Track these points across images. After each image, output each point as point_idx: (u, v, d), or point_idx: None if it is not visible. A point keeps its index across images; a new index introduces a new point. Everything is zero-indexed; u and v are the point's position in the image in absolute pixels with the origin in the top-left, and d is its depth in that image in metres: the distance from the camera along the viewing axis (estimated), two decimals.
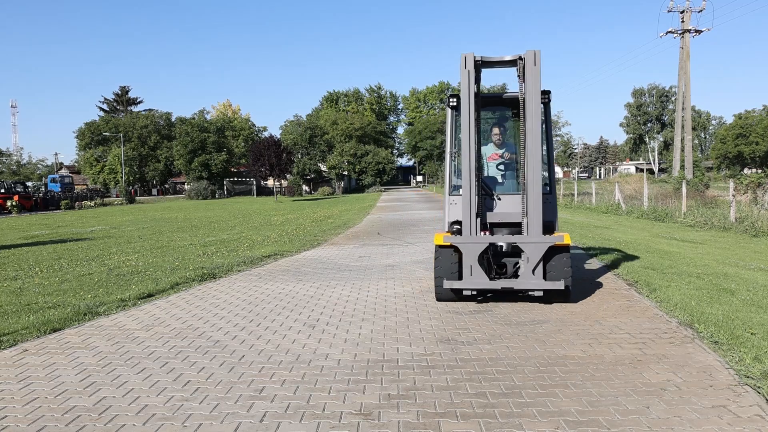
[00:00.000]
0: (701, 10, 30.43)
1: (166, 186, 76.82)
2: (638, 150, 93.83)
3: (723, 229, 15.27)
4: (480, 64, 6.00)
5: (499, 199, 6.36)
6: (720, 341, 4.73)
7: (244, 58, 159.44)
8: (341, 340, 5.03)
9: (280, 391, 3.83)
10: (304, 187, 67.32)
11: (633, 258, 9.28)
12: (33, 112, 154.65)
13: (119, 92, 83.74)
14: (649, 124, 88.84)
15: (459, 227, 6.21)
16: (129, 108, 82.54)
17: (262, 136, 63.39)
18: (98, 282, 7.99)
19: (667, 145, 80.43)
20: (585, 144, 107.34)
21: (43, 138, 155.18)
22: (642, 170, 67.92)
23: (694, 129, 65.58)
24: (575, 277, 7.08)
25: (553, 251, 5.90)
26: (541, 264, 5.77)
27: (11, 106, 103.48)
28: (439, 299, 6.39)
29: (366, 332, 5.26)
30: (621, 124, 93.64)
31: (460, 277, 5.97)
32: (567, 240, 5.89)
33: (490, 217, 6.34)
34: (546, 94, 6.37)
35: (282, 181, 53.19)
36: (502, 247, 6.22)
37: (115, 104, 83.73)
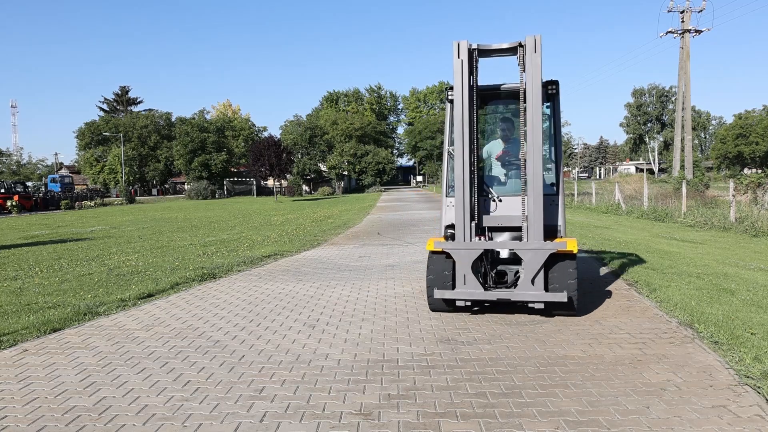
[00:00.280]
0: (701, 10, 30.45)
1: (166, 186, 76.82)
2: (638, 150, 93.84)
3: (723, 229, 15.26)
4: (476, 53, 5.53)
5: (500, 200, 5.87)
6: (720, 341, 4.73)
7: (244, 58, 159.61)
8: (341, 340, 5.03)
9: (280, 391, 3.83)
10: (304, 187, 67.33)
11: (633, 258, 9.28)
12: (33, 112, 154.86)
13: (119, 92, 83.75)
14: (649, 124, 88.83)
15: (453, 231, 5.71)
16: (129, 108, 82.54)
17: (262, 136, 63.39)
18: (98, 282, 7.99)
19: (667, 145, 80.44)
20: (585, 144, 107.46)
21: (43, 138, 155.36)
22: (642, 170, 67.95)
23: (694, 129, 65.64)
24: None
25: (556, 259, 5.39)
26: (541, 273, 5.28)
27: (11, 106, 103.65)
28: (432, 309, 5.97)
29: (366, 332, 5.26)
30: (621, 124, 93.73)
31: (455, 286, 5.56)
32: (571, 246, 5.35)
33: (489, 221, 5.85)
34: (552, 85, 5.94)
35: (282, 181, 53.19)
36: (499, 253, 5.83)
37: (115, 104, 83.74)
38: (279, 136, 58.33)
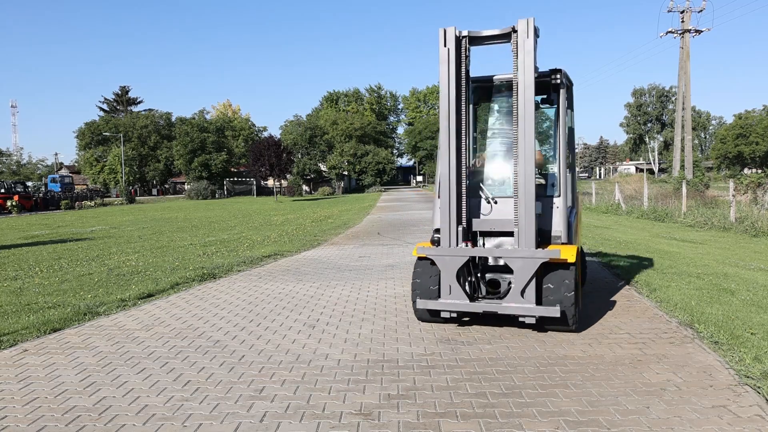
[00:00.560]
0: (701, 10, 30.46)
1: (166, 186, 76.81)
2: (638, 150, 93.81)
3: (723, 229, 15.27)
4: (466, 41, 5.04)
5: (495, 202, 5.30)
6: (720, 341, 4.73)
7: (244, 58, 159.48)
8: (341, 340, 5.03)
9: (280, 391, 3.83)
10: (304, 187, 67.32)
11: (633, 258, 9.28)
12: (33, 112, 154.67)
13: (119, 92, 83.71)
14: (649, 124, 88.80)
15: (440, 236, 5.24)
16: (129, 108, 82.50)
17: (262, 136, 63.38)
18: (98, 282, 7.99)
19: (667, 145, 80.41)
20: (585, 144, 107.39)
21: (43, 138, 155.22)
22: (642, 170, 67.96)
23: (694, 129, 65.66)
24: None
25: (551, 268, 4.89)
26: (533, 284, 4.79)
27: (11, 106, 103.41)
28: (419, 319, 5.54)
29: (366, 332, 5.26)
30: (621, 124, 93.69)
31: (441, 295, 5.12)
32: (567, 254, 4.82)
33: (480, 225, 5.28)
34: (556, 74, 5.30)
35: (282, 181, 53.18)
36: (488, 260, 5.28)
37: (115, 104, 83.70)
38: (279, 136, 58.32)
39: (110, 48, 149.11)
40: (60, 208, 40.72)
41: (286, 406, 3.57)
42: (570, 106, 5.90)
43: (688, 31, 30.50)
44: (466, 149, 5.17)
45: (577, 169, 6.38)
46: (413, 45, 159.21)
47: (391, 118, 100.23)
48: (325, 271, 8.79)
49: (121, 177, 61.83)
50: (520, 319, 4.88)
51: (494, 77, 5.57)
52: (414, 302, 5.35)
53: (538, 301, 4.88)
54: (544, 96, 5.83)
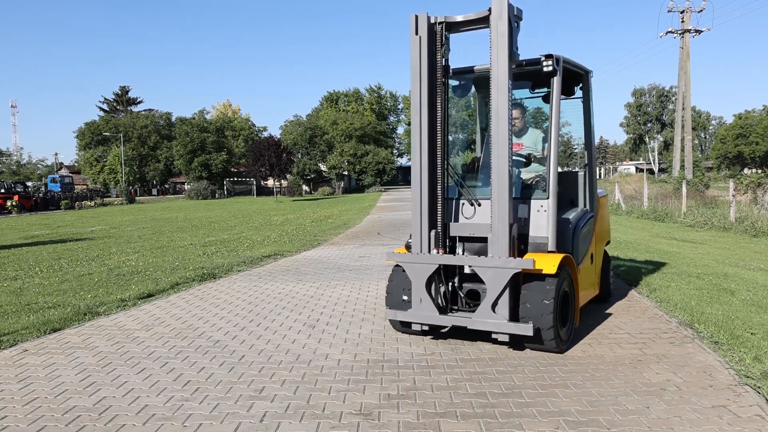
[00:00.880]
0: (701, 10, 30.47)
1: (166, 186, 76.82)
2: (638, 150, 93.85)
3: (723, 229, 15.27)
4: (443, 28, 4.61)
5: (479, 204, 4.83)
6: (720, 341, 4.73)
7: (244, 58, 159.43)
8: (341, 340, 5.03)
9: (280, 391, 3.83)
10: (304, 187, 67.33)
11: (633, 258, 9.29)
12: (33, 112, 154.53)
13: (119, 92, 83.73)
14: (649, 124, 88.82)
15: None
16: (129, 108, 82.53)
17: (262, 136, 63.39)
18: (98, 282, 7.99)
19: (667, 145, 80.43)
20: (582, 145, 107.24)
21: (43, 138, 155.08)
22: (642, 170, 67.96)
23: (694, 129, 65.61)
24: None
25: (529, 280, 4.41)
26: (506, 298, 4.32)
27: (11, 106, 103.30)
28: (396, 329, 5.19)
29: (366, 332, 5.26)
30: (621, 124, 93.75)
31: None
32: (543, 265, 4.32)
33: (457, 229, 4.80)
34: (549, 61, 4.69)
35: (282, 181, 53.18)
36: (464, 268, 4.76)
37: (115, 104, 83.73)
38: (279, 136, 58.32)
39: (110, 48, 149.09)
40: (60, 208, 40.72)
41: (286, 406, 3.57)
42: (587, 96, 5.60)
43: (688, 31, 30.50)
44: (443, 146, 4.68)
45: (595, 168, 5.79)
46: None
47: (391, 118, 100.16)
48: (325, 271, 8.79)
49: (121, 177, 61.84)
50: (493, 336, 4.42)
51: (474, 67, 5.17)
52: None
53: (514, 317, 4.40)
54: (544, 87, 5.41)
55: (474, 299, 4.71)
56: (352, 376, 4.09)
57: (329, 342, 4.97)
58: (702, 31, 30.65)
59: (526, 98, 5.73)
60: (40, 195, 43.53)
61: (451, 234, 4.83)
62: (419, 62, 4.61)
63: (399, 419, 3.36)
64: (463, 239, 4.84)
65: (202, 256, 10.61)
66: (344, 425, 3.29)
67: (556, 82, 4.77)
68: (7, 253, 12.37)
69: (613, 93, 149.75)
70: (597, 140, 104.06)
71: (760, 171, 59.80)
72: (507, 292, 4.32)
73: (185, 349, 4.82)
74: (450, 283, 4.78)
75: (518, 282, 4.44)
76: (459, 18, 4.61)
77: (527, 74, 5.18)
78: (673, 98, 76.93)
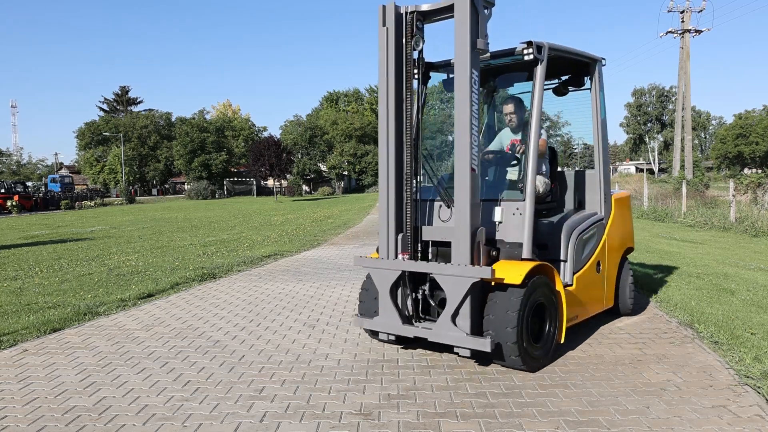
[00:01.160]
0: (701, 10, 30.46)
1: (166, 186, 76.84)
2: (638, 150, 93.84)
3: (723, 229, 15.27)
4: (414, 18, 4.26)
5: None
6: (720, 341, 4.73)
7: (244, 58, 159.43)
8: (341, 340, 5.03)
9: (280, 391, 3.83)
10: (304, 187, 67.39)
11: (632, 258, 9.28)
12: (33, 112, 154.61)
13: (119, 92, 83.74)
14: (649, 124, 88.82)
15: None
16: (129, 108, 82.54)
17: (262, 136, 63.40)
18: (98, 282, 7.99)
19: (667, 145, 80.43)
20: (585, 144, 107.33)
21: (43, 138, 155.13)
22: (642, 170, 67.95)
23: (694, 129, 65.60)
24: None
25: (496, 290, 4.05)
26: (467, 309, 4.01)
27: (11, 106, 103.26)
28: (372, 337, 4.97)
29: (366, 332, 5.25)
30: (621, 124, 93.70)
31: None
32: (505, 274, 3.96)
33: (429, 233, 4.47)
34: (529, 48, 4.35)
35: (282, 181, 53.20)
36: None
37: (115, 104, 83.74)
38: (279, 136, 58.35)
39: (110, 48, 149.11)
40: (60, 208, 40.73)
41: (286, 406, 3.57)
42: (596, 87, 5.23)
43: (688, 31, 30.50)
44: (412, 144, 4.36)
45: (609, 167, 5.31)
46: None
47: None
48: (325, 271, 8.79)
49: (121, 177, 61.86)
50: (455, 349, 4.09)
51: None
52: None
53: (476, 330, 4.05)
54: (565, 77, 5.28)
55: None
56: (352, 376, 4.09)
57: (329, 342, 4.97)
58: (702, 31, 30.65)
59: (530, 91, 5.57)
60: (40, 195, 43.54)
61: (424, 238, 4.50)
62: (386, 55, 4.33)
63: (399, 419, 3.36)
64: (436, 244, 4.53)
65: (202, 256, 10.61)
66: (344, 425, 3.29)
67: (539, 71, 4.43)
68: (7, 253, 12.37)
69: (613, 93, 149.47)
70: None
71: (760, 171, 59.83)
72: (468, 302, 3.99)
73: (185, 349, 4.82)
74: (421, 291, 4.45)
75: (485, 292, 4.11)
76: (425, 7, 4.28)
77: (527, 65, 4.85)
78: (673, 98, 76.91)
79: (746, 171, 67.07)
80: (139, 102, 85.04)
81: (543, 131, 5.14)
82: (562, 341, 4.40)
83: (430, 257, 4.53)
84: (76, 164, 78.85)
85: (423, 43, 4.39)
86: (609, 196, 5.31)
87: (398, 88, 4.38)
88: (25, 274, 9.06)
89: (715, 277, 7.67)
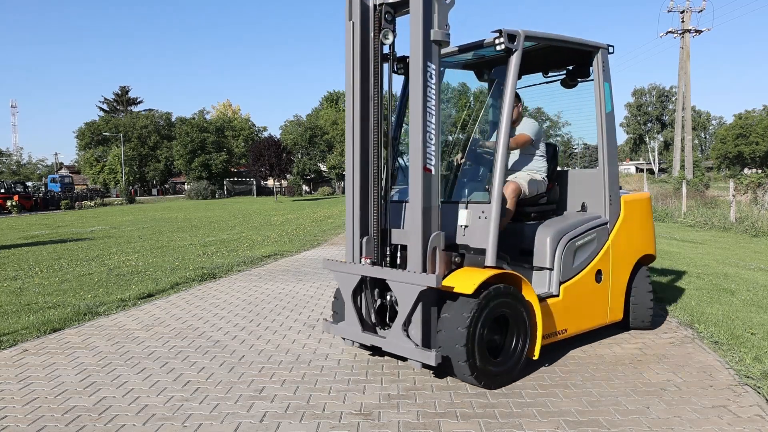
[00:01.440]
0: (701, 10, 30.47)
1: (166, 186, 76.83)
2: (638, 150, 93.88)
3: (723, 229, 15.27)
4: (380, 11, 4.00)
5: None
6: (720, 341, 4.73)
7: (244, 58, 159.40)
8: (341, 340, 5.03)
9: (280, 391, 3.83)
10: (304, 187, 67.38)
11: None
12: (33, 112, 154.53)
13: (119, 92, 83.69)
14: (649, 124, 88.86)
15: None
16: (129, 108, 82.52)
17: (262, 136, 63.41)
18: (98, 282, 7.99)
19: (667, 145, 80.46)
20: (585, 144, 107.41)
21: (43, 138, 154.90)
22: (642, 170, 67.94)
23: (694, 129, 65.57)
24: None
25: (448, 299, 3.78)
26: (419, 317, 3.78)
27: (11, 106, 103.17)
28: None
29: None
30: (621, 124, 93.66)
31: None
32: (455, 282, 3.73)
33: (399, 237, 4.25)
34: (500, 38, 4.02)
35: (282, 181, 53.19)
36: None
37: (115, 104, 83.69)
38: (279, 136, 58.36)
39: (110, 48, 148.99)
40: (60, 208, 40.71)
41: (286, 406, 3.57)
42: (601, 77, 4.80)
43: (688, 31, 30.50)
44: (377, 143, 4.12)
45: (616, 166, 4.89)
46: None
47: (392, 118, 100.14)
48: (325, 271, 8.78)
49: (121, 177, 61.84)
50: (408, 360, 3.92)
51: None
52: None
53: (427, 341, 3.82)
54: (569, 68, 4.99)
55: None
56: (352, 376, 4.09)
57: (329, 342, 4.97)
58: (702, 31, 30.65)
59: (538, 84, 5.29)
60: (40, 195, 43.52)
61: (393, 241, 4.29)
62: (352, 50, 4.10)
63: (399, 419, 3.36)
64: (404, 248, 4.22)
65: (202, 256, 10.61)
66: (344, 425, 3.29)
67: (513, 61, 4.09)
68: (7, 253, 12.37)
69: (613, 93, 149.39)
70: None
71: (760, 171, 59.83)
72: (419, 312, 3.76)
73: (185, 349, 4.82)
74: (389, 297, 4.23)
75: (443, 301, 3.85)
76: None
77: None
78: (673, 98, 76.90)
79: (746, 171, 67.08)
80: (139, 102, 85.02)
81: (535, 124, 4.83)
82: (536, 357, 4.02)
83: (399, 262, 4.28)
84: (76, 164, 78.83)
85: (395, 37, 4.12)
86: (616, 197, 4.85)
87: (364, 85, 4.10)
88: (25, 274, 9.06)
89: (715, 277, 7.67)
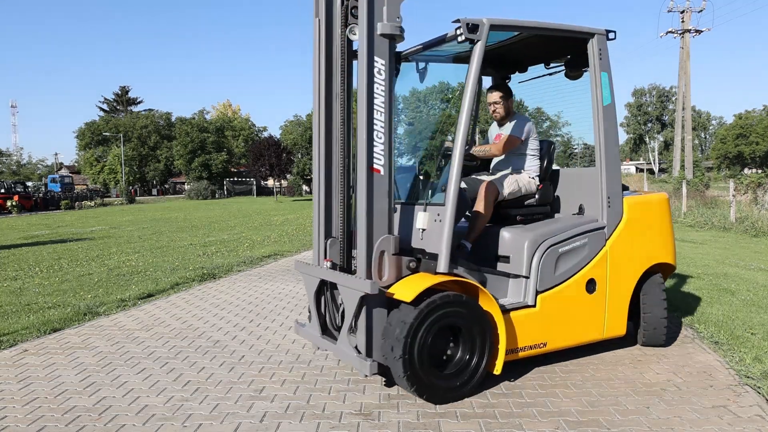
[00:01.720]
0: (701, 10, 30.44)
1: (166, 186, 76.86)
2: (638, 150, 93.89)
3: (723, 229, 15.27)
4: (346, 7, 3.86)
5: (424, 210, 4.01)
6: (720, 341, 4.73)
7: (244, 58, 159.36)
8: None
9: (280, 391, 3.83)
10: (304, 187, 67.38)
11: None
12: (33, 112, 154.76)
13: (119, 92, 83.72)
14: (649, 124, 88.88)
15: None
16: (129, 108, 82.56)
17: (262, 136, 63.43)
18: (98, 282, 7.99)
19: (667, 145, 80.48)
20: (585, 144, 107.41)
21: (43, 138, 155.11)
22: (642, 170, 67.95)
23: (694, 129, 65.58)
24: None
25: (394, 307, 3.61)
26: (363, 323, 3.60)
27: (11, 106, 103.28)
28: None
29: None
30: (621, 124, 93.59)
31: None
32: (396, 288, 3.57)
33: None
34: (460, 30, 3.69)
35: (282, 181, 53.20)
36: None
37: (115, 104, 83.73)
38: (279, 136, 58.37)
39: (110, 48, 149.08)
40: (60, 208, 40.69)
41: (286, 406, 3.57)
42: (598, 66, 4.31)
43: (688, 31, 30.48)
44: (343, 141, 3.97)
45: (617, 165, 4.40)
46: (413, 44, 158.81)
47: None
48: None
49: (121, 177, 61.83)
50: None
51: (425, 43, 4.40)
52: None
53: (369, 349, 3.63)
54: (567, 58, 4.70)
55: None
56: (352, 376, 4.09)
57: None
58: (702, 31, 30.63)
59: (542, 76, 5.01)
60: (40, 195, 43.50)
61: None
62: (318, 47, 3.94)
63: (399, 419, 3.36)
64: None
65: (202, 256, 10.61)
66: (344, 425, 3.29)
67: (477, 53, 3.76)
68: (7, 253, 12.37)
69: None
70: None
71: (760, 171, 59.85)
72: (363, 318, 3.59)
73: (185, 349, 4.82)
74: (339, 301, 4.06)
75: (391, 309, 3.67)
76: None
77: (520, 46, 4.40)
78: (674, 98, 76.88)
79: (746, 171, 67.09)
80: (139, 102, 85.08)
81: (524, 121, 4.55)
82: (497, 372, 3.72)
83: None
84: (76, 164, 78.86)
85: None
86: (617, 199, 4.36)
87: (329, 83, 3.93)
88: (25, 274, 9.06)
89: (715, 277, 7.67)
